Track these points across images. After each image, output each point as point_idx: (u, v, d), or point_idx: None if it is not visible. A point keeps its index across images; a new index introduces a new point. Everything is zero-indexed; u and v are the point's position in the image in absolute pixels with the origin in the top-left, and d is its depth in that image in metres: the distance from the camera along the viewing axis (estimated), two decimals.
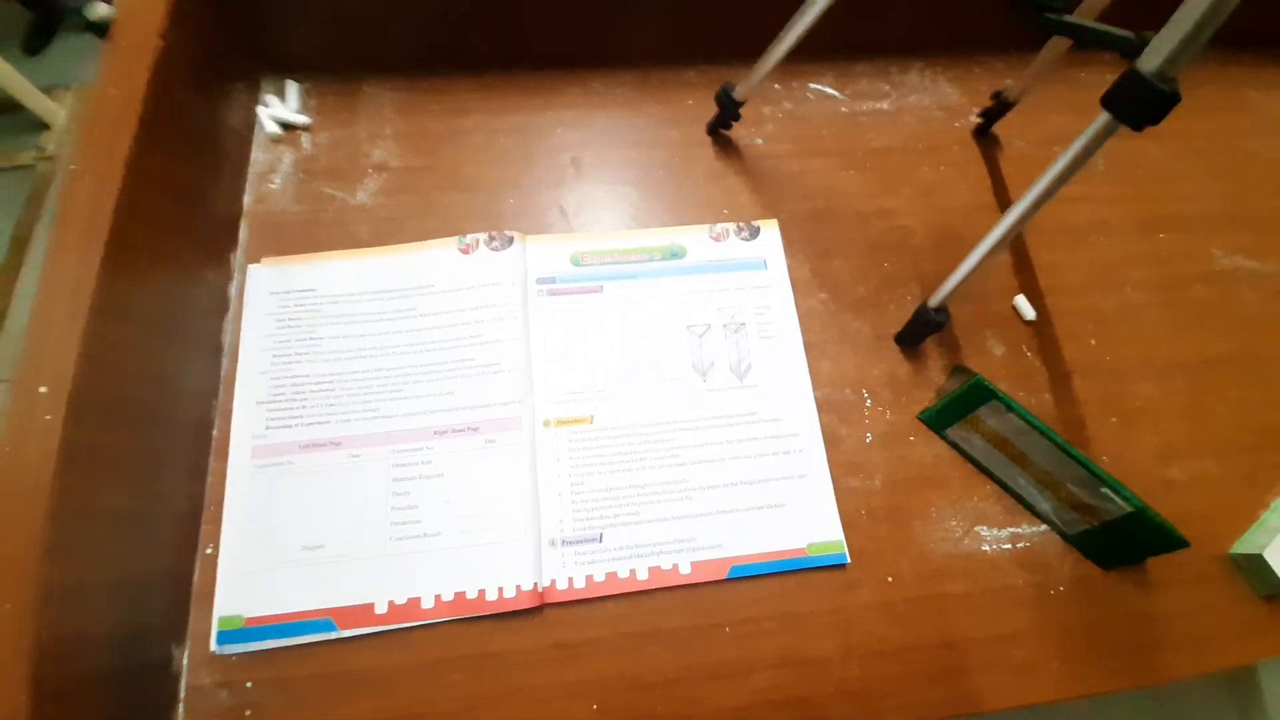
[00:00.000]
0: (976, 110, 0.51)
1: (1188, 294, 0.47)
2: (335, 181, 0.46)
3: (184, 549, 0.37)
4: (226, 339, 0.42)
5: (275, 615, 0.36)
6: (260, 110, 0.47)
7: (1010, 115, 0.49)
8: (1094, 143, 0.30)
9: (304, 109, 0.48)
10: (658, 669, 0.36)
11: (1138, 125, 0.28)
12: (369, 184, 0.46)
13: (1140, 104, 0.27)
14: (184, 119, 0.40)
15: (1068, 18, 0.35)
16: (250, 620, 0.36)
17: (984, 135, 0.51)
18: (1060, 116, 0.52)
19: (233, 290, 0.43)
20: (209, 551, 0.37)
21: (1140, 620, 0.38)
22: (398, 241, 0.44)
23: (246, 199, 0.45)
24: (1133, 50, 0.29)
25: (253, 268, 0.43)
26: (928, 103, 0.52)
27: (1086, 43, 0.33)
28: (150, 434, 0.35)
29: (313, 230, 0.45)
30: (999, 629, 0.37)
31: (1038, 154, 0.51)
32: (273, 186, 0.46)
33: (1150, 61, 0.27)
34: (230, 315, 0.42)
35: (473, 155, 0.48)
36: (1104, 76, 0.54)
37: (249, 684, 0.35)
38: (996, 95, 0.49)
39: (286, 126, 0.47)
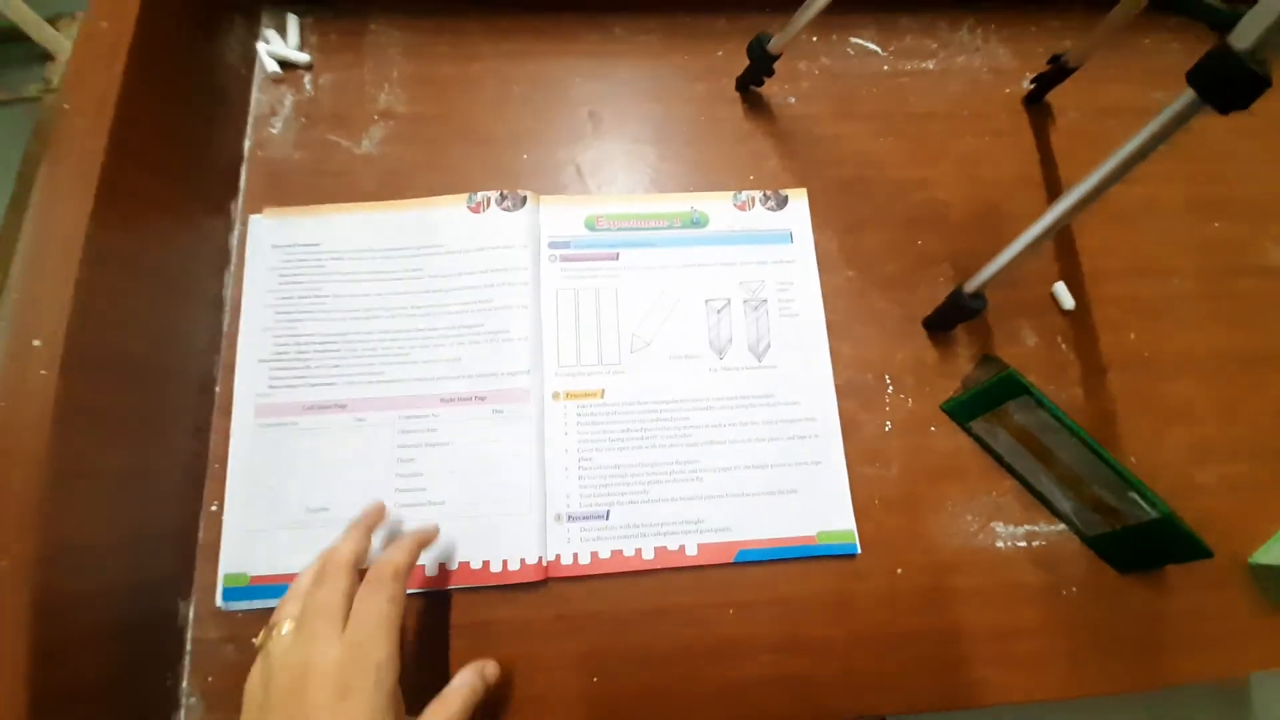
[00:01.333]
0: (1030, 75, 0.47)
1: (1236, 287, 0.44)
2: (339, 128, 0.43)
3: (189, 505, 0.37)
4: (228, 293, 0.40)
5: (279, 575, 0.36)
6: (260, 46, 0.44)
7: (1066, 82, 0.45)
8: (1172, 125, 0.27)
9: (305, 46, 0.45)
10: (659, 645, 0.36)
11: (1225, 109, 0.25)
12: (374, 132, 0.43)
13: (1229, 85, 0.24)
14: (180, 54, 0.38)
15: None
16: (255, 578, 0.36)
17: (1036, 103, 0.47)
18: (1120, 87, 0.48)
19: (234, 241, 0.41)
20: (214, 509, 0.37)
21: (1151, 623, 0.37)
22: (405, 195, 0.42)
23: (247, 143, 0.43)
24: (1223, 23, 0.25)
25: (254, 218, 0.41)
26: (977, 64, 0.48)
27: (1169, 7, 0.29)
28: (150, 389, 0.34)
29: (315, 180, 0.42)
30: (1007, 624, 0.36)
31: (1093, 127, 0.47)
32: (273, 131, 0.43)
33: (1244, 37, 0.24)
34: (232, 268, 0.41)
35: (484, 105, 0.44)
36: (1169, 45, 0.50)
37: (254, 640, 0.35)
38: (1055, 59, 0.44)
39: (286, 65, 0.44)
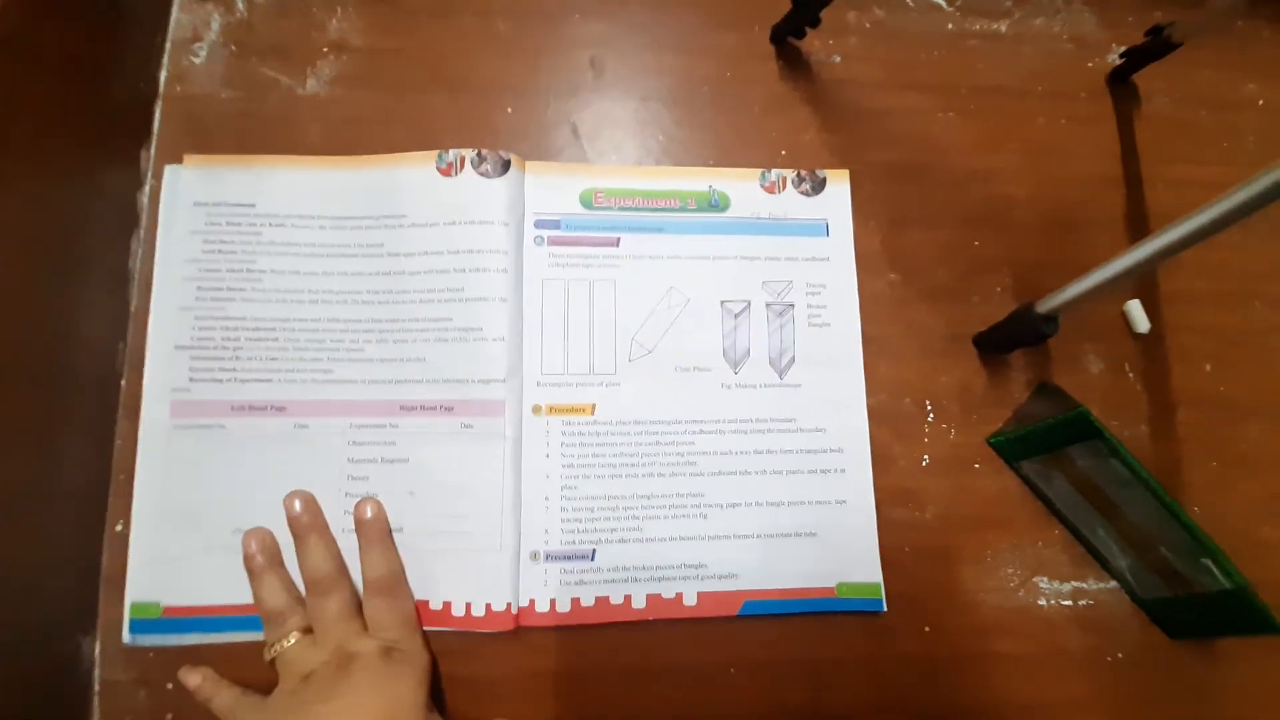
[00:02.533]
0: (1119, 48, 0.40)
1: None
2: (278, 60, 0.35)
3: (89, 527, 0.30)
4: (136, 264, 0.33)
5: (199, 607, 0.30)
6: None
7: (1157, 62, 0.38)
8: None
9: None
10: (648, 711, 0.31)
11: None
12: (323, 69, 0.35)
13: None
14: None
15: None
16: (169, 609, 0.30)
17: (1122, 82, 0.40)
18: (1212, 73, 0.41)
19: (144, 199, 0.33)
20: (119, 529, 0.31)
21: (1201, 697, 0.33)
22: (359, 150, 0.34)
23: (162, 76, 0.34)
24: None
25: (171, 169, 0.33)
26: (1057, 29, 0.40)
27: None
28: (33, 394, 0.28)
29: (248, 125, 0.34)
30: (1047, 697, 0.32)
31: (1183, 117, 0.40)
32: (195, 61, 0.35)
33: None
34: (141, 232, 0.33)
35: (460, 42, 0.36)
36: (1261, 33, 0.43)
37: (170, 685, 0.30)
38: (1155, 31, 0.37)
39: None
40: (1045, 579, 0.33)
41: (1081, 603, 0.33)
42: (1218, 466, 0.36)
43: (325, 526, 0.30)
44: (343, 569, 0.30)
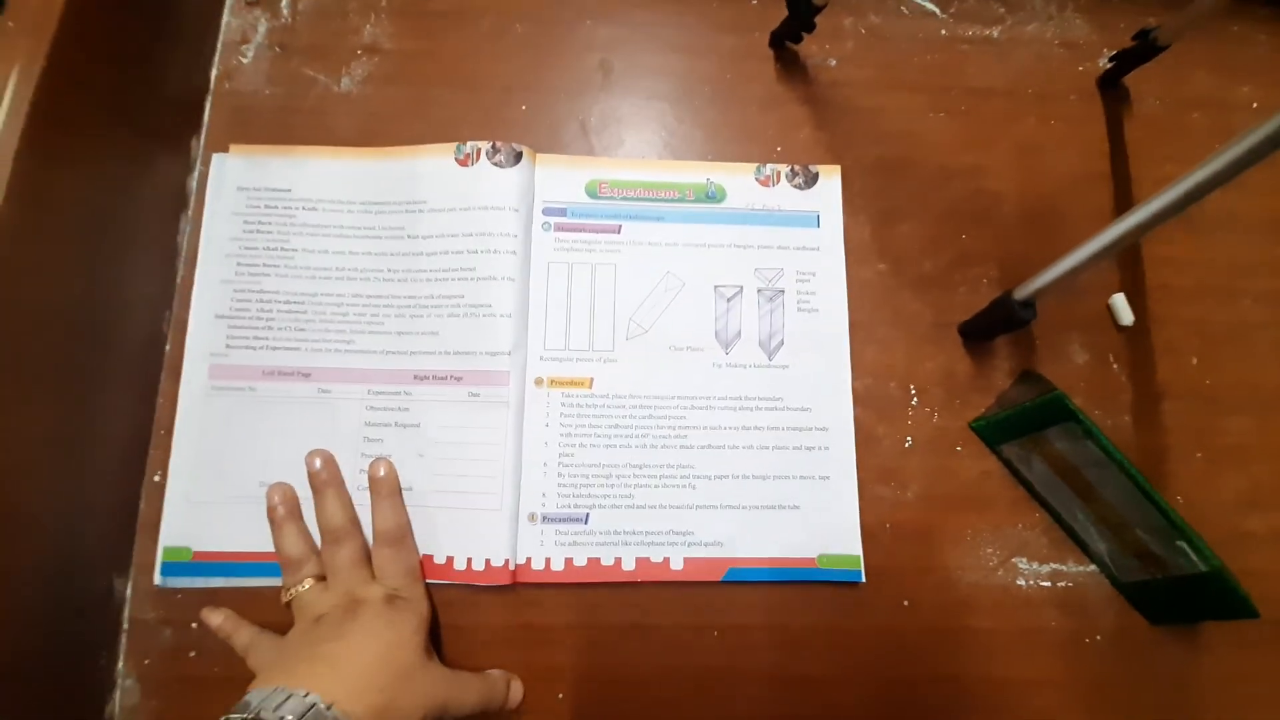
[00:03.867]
0: (1109, 52, 0.41)
1: None
2: (317, 62, 0.38)
3: (130, 475, 0.33)
4: (184, 240, 0.36)
5: (225, 552, 0.33)
6: None
7: (1145, 66, 0.39)
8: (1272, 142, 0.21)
9: None
10: (634, 666, 0.32)
11: None
12: (356, 69, 0.38)
13: None
14: None
15: None
16: (198, 554, 0.33)
17: (1112, 86, 0.41)
18: (1205, 75, 0.42)
19: (193, 183, 0.37)
20: (157, 479, 0.34)
21: (1179, 682, 0.34)
22: (385, 142, 0.37)
23: (213, 73, 0.38)
24: None
25: (218, 157, 0.37)
26: (1048, 35, 0.42)
27: None
28: (89, 347, 0.31)
29: (288, 119, 0.38)
30: (1022, 673, 0.33)
31: (1173, 119, 0.41)
32: (244, 61, 0.38)
33: None
34: (189, 212, 0.36)
35: (481, 44, 0.39)
36: (1256, 35, 0.44)
37: (194, 625, 0.32)
38: (1142, 35, 0.38)
39: None
40: (1024, 560, 0.34)
41: (1060, 584, 0.34)
42: (1202, 458, 0.36)
43: (341, 482, 0.33)
44: (355, 521, 0.32)
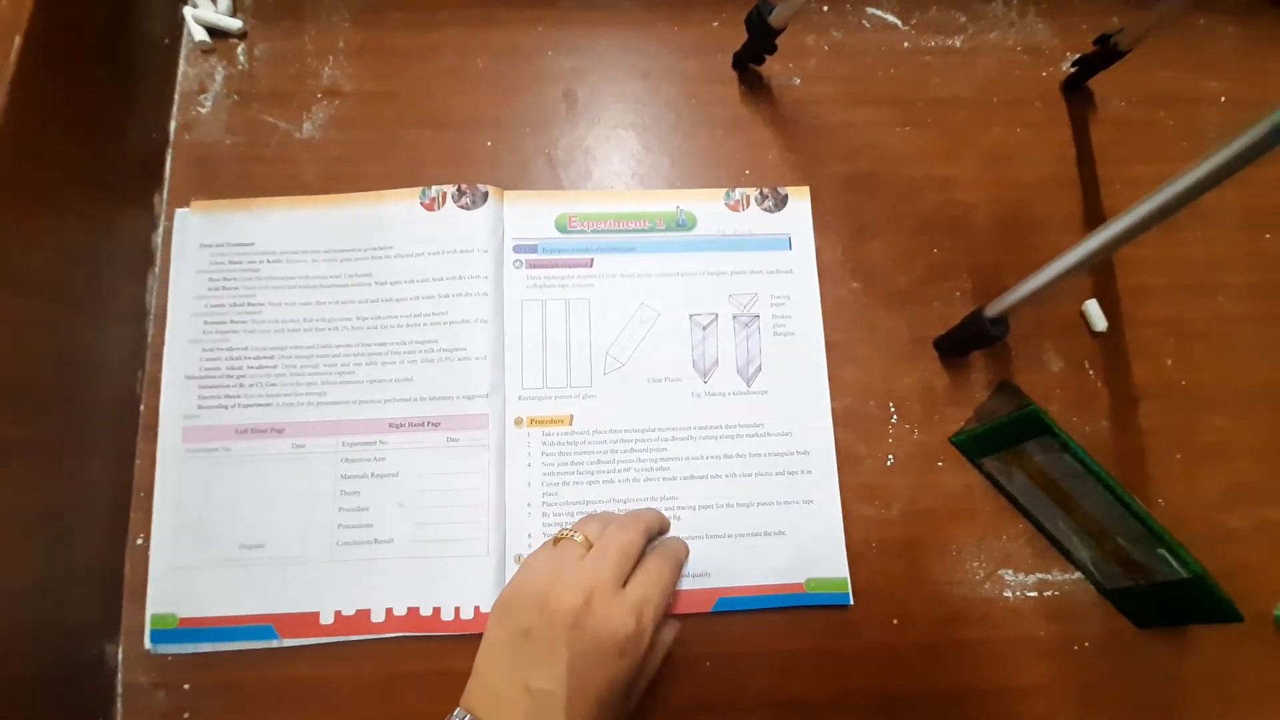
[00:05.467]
0: (1072, 56, 0.41)
1: None
2: (277, 108, 0.38)
3: (112, 540, 0.33)
4: (152, 299, 0.36)
5: (211, 618, 0.33)
6: (187, 12, 0.38)
7: (1110, 67, 0.39)
8: (1252, 152, 0.21)
9: (238, 10, 0.39)
10: None
11: None
12: (317, 113, 0.38)
13: None
14: (90, 27, 0.32)
15: None
16: (184, 620, 0.33)
17: (1076, 89, 0.41)
18: (1170, 74, 0.42)
19: (158, 240, 0.36)
20: (139, 542, 0.33)
21: (1170, 683, 0.34)
22: (351, 187, 0.37)
23: (172, 125, 0.38)
24: None
25: (180, 213, 0.36)
26: (1011, 42, 0.42)
27: None
28: (64, 418, 0.31)
29: (250, 168, 0.37)
30: (1014, 683, 0.33)
31: (1140, 118, 0.41)
32: (202, 111, 0.38)
33: None
34: (156, 270, 0.36)
35: (443, 81, 0.39)
36: (1225, 28, 0.44)
37: (187, 686, 0.32)
38: (1102, 40, 0.38)
39: (216, 33, 0.38)
40: (1010, 571, 0.35)
41: (1047, 594, 0.34)
42: (1182, 458, 0.36)
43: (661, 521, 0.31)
44: (650, 533, 0.29)
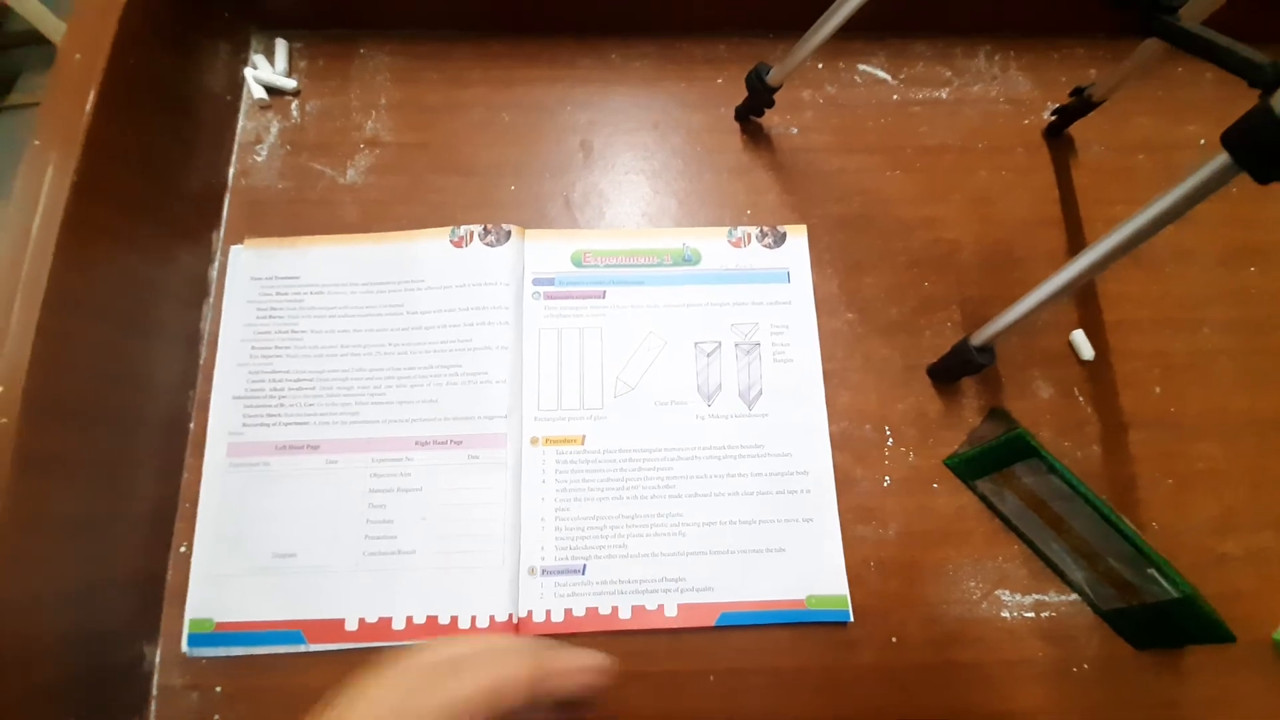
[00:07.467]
0: (1052, 106, 0.44)
1: (1272, 341, 0.41)
2: (324, 156, 0.42)
3: (157, 547, 0.36)
4: (206, 326, 0.39)
5: (245, 623, 0.35)
6: (248, 73, 0.43)
7: (1090, 114, 0.42)
8: (1205, 189, 0.24)
9: (293, 72, 0.44)
10: (633, 713, 0.34)
11: (1264, 178, 0.22)
12: (359, 161, 0.42)
13: (1268, 152, 0.22)
14: (160, 86, 0.37)
15: (1187, 25, 0.28)
16: (220, 625, 0.35)
17: (1056, 136, 0.44)
18: (1148, 120, 0.45)
19: (214, 273, 0.40)
20: (183, 550, 0.36)
21: (1167, 707, 0.34)
22: (387, 227, 0.41)
23: (231, 171, 0.42)
24: (1264, 80, 0.23)
25: (235, 249, 0.40)
26: (994, 94, 0.45)
27: (1204, 56, 0.26)
28: (118, 432, 0.33)
29: (298, 209, 0.41)
30: (1012, 705, 0.34)
31: (1118, 163, 0.44)
32: (258, 159, 0.42)
33: None
34: (211, 300, 0.40)
35: (471, 133, 0.43)
36: (1202, 76, 0.47)
37: (218, 689, 0.34)
38: (1077, 92, 0.42)
39: (273, 91, 0.43)
40: (1007, 592, 0.36)
41: (1044, 615, 0.35)
42: (1173, 484, 0.38)
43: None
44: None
